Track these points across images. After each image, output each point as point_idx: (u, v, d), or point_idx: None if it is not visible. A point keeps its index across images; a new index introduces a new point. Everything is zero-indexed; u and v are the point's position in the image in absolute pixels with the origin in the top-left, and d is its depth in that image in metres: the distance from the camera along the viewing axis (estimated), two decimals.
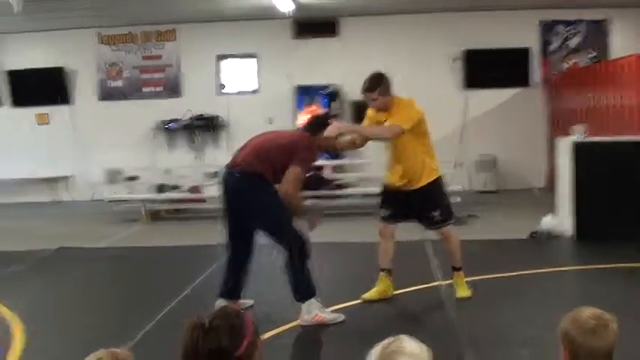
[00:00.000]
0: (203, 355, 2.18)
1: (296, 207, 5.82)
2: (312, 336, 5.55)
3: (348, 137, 6.20)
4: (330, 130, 5.92)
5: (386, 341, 2.11)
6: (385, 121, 6.11)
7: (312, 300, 5.75)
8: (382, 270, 6.41)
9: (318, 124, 6.13)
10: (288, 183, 5.67)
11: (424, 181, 6.19)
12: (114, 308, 6.65)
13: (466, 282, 6.41)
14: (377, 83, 6.10)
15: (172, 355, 4.85)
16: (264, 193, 5.76)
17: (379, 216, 6.42)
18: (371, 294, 6.35)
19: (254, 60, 15.10)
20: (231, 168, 5.88)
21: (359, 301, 6.28)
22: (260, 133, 6.15)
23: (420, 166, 6.19)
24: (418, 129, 6.12)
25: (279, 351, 5.01)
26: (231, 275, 6.07)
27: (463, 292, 6.35)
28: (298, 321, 5.70)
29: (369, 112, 6.33)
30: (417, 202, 6.23)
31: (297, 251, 5.72)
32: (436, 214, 6.26)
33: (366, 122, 6.34)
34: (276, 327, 5.51)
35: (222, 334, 2.18)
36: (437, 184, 6.35)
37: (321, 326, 5.65)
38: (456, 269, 6.46)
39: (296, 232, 5.78)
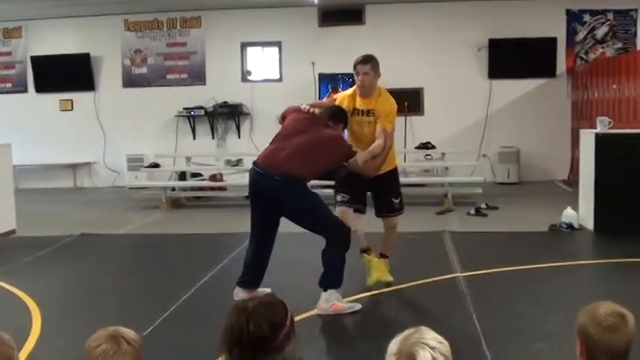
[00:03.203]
0: (247, 339, 2.22)
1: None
2: (330, 326, 5.53)
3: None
4: (360, 161, 5.94)
5: (406, 332, 2.09)
6: (370, 111, 6.19)
7: (334, 290, 5.77)
8: (364, 251, 6.50)
9: (338, 115, 6.14)
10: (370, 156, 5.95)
11: (389, 167, 6.33)
12: (133, 294, 6.67)
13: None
14: (371, 58, 6.20)
15: (190, 339, 4.89)
16: (305, 196, 5.80)
17: (336, 201, 6.40)
18: (372, 277, 6.43)
19: (279, 48, 15.07)
20: (267, 168, 5.69)
21: (375, 292, 6.26)
22: (291, 126, 5.97)
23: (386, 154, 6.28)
24: None
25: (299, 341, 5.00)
26: (254, 266, 6.04)
27: (389, 276, 6.51)
28: (315, 310, 5.70)
29: (345, 98, 6.34)
30: (380, 188, 6.38)
31: (338, 241, 5.75)
32: (396, 201, 6.47)
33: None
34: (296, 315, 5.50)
35: (264, 321, 2.24)
36: (397, 172, 6.60)
37: (338, 317, 5.64)
38: (386, 256, 6.59)
39: (339, 222, 5.84)
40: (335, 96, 6.54)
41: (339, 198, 6.35)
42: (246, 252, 6.15)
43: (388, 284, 6.46)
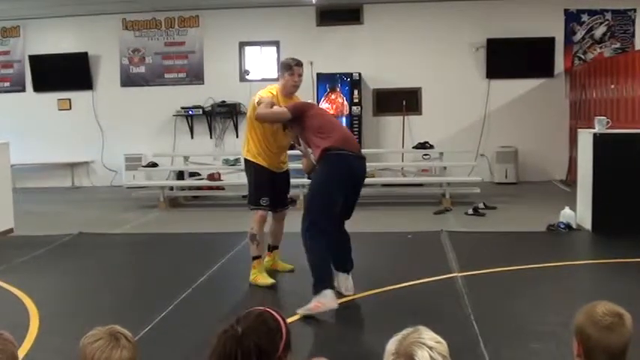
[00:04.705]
0: None
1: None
2: (326, 326, 5.53)
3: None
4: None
5: (404, 332, 2.08)
6: None
7: None
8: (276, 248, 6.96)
9: None
10: None
11: (288, 165, 6.91)
12: (131, 294, 6.66)
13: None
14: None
15: (188, 339, 4.88)
16: None
17: (261, 205, 6.57)
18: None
19: (277, 47, 15.04)
20: (359, 153, 6.05)
21: (373, 292, 6.25)
22: (330, 115, 6.76)
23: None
24: None
25: (294, 341, 4.99)
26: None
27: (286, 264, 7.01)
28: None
29: (270, 94, 6.48)
30: (283, 183, 6.83)
31: None
32: (289, 195, 7.08)
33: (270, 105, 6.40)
34: (290, 316, 5.48)
35: (254, 351, 2.09)
36: None
37: (336, 316, 5.63)
38: (277, 247, 7.02)
39: None
40: (259, 93, 6.51)
41: (263, 202, 6.54)
42: (320, 249, 5.82)
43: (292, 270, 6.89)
